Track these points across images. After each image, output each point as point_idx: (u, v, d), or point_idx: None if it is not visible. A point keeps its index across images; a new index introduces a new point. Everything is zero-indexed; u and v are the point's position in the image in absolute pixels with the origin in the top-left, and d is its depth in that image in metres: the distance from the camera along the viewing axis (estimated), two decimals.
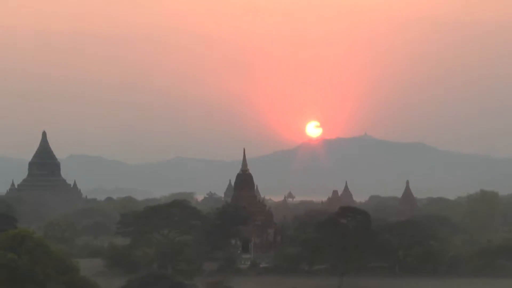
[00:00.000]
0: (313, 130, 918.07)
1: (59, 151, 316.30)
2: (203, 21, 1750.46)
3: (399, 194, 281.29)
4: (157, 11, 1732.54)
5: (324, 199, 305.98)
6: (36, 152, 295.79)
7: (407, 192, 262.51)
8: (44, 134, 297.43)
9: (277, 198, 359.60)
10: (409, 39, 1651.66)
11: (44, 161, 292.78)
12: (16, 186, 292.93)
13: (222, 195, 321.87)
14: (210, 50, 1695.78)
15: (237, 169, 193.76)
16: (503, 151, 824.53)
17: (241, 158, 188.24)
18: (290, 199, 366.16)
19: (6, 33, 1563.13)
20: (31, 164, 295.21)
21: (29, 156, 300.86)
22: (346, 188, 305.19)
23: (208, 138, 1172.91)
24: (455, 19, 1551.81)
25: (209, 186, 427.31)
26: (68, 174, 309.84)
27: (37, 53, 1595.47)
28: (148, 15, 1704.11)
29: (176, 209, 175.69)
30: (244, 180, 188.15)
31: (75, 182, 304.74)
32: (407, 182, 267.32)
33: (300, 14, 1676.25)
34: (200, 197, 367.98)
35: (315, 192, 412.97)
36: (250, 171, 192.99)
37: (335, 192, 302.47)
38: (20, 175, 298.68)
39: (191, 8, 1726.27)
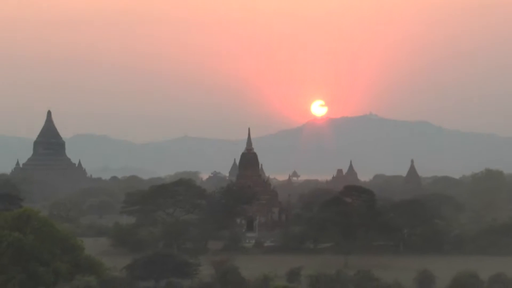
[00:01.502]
0: (318, 109, 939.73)
1: (64, 131, 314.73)
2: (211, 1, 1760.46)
3: (404, 173, 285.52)
4: None
5: (329, 178, 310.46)
6: (41, 131, 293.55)
7: (412, 171, 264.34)
8: (49, 113, 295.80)
9: (282, 177, 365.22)
10: (415, 20, 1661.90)
11: (49, 140, 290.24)
12: (21, 166, 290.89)
13: (227, 174, 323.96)
14: (216, 30, 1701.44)
15: (242, 148, 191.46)
16: (508, 130, 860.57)
17: (246, 137, 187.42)
18: (295, 178, 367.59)
19: (8, 11, 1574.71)
20: (36, 143, 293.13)
21: (34, 135, 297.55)
22: (351, 167, 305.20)
23: (214, 118, 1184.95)
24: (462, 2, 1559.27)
25: (214, 165, 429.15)
26: (73, 153, 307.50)
27: (42, 31, 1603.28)
28: None
29: (181, 188, 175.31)
30: (248, 160, 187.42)
31: (80, 161, 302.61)
32: (412, 161, 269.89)
33: None
34: (205, 176, 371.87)
35: (320, 171, 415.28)
36: (255, 150, 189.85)
37: (339, 171, 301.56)
38: (25, 154, 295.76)
39: None
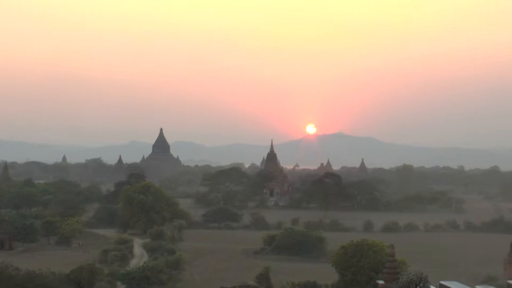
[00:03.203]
0: (311, 129, 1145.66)
1: (170, 139, 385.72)
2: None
3: (357, 166, 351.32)
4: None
5: (316, 168, 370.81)
6: (157, 139, 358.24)
7: (362, 165, 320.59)
8: (161, 129, 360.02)
9: (289, 166, 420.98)
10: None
11: (161, 144, 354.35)
12: (145, 158, 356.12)
13: (259, 164, 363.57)
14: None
15: (268, 150, 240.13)
16: (418, 141, 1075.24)
17: (270, 144, 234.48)
18: (297, 167, 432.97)
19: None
20: (154, 146, 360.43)
21: (152, 141, 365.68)
22: (328, 162, 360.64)
23: (255, 132, 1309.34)
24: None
25: (252, 159, 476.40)
26: (174, 152, 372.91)
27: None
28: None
29: (233, 172, 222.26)
30: (271, 156, 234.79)
31: (177, 156, 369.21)
32: (362, 159, 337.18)
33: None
34: (247, 165, 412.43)
35: (311, 164, 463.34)
36: (275, 152, 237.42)
37: (322, 164, 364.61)
38: (148, 152, 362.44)
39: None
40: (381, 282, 53.52)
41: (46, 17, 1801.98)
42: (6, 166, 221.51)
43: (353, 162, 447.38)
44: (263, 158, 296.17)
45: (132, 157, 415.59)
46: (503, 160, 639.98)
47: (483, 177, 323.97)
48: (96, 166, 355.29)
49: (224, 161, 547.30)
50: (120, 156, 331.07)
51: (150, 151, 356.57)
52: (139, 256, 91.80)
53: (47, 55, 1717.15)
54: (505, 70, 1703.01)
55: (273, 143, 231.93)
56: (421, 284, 45.08)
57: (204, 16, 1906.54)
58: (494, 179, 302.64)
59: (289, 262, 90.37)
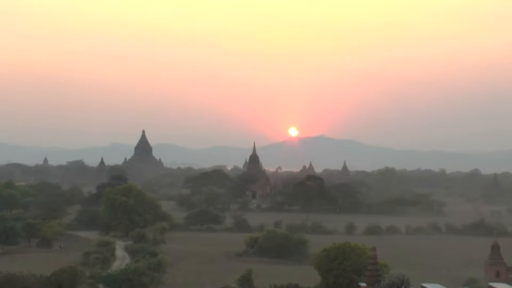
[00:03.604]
0: (293, 131, 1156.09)
1: (152, 141, 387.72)
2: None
3: (340, 168, 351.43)
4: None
5: (298, 170, 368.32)
6: (139, 141, 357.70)
7: (344, 167, 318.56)
8: (143, 131, 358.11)
9: (272, 169, 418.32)
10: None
11: (143, 146, 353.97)
12: (127, 160, 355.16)
13: (242, 167, 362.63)
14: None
15: (250, 153, 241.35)
16: (401, 145, 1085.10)
17: (252, 146, 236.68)
18: (279, 170, 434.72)
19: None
20: (135, 148, 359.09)
21: (134, 143, 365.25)
22: (310, 165, 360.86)
23: (236, 135, 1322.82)
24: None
25: (234, 162, 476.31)
26: (156, 154, 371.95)
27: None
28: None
29: (216, 174, 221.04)
30: (254, 159, 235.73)
31: (160, 158, 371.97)
32: (344, 162, 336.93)
33: None
34: (229, 168, 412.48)
35: (293, 167, 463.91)
36: (257, 154, 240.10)
37: (304, 166, 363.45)
38: (130, 154, 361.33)
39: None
40: (363, 284, 53.65)
41: (27, 19, 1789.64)
42: None
43: (335, 165, 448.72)
44: (246, 161, 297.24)
45: (114, 160, 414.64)
46: (484, 163, 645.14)
47: (464, 180, 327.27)
48: (77, 168, 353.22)
49: (207, 164, 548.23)
50: (102, 158, 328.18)
51: (132, 153, 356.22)
52: (121, 259, 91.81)
53: (27, 57, 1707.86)
54: (487, 75, 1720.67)
55: (256, 146, 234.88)
56: (403, 287, 45.36)
57: (187, 19, 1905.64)
58: (475, 182, 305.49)
59: (272, 264, 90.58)
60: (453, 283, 68.71)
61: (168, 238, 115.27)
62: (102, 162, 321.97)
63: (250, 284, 67.68)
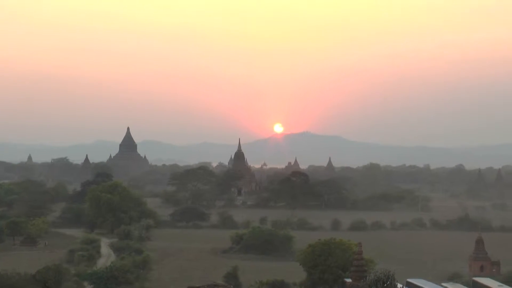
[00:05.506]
0: (278, 128, 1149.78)
1: (137, 138, 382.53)
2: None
3: (325, 164, 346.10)
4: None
5: (283, 167, 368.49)
6: (124, 138, 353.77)
7: (329, 163, 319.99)
8: (128, 128, 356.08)
9: (257, 165, 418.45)
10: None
11: (128, 143, 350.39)
12: (112, 157, 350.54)
13: (227, 164, 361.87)
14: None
15: (235, 149, 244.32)
16: (386, 140, 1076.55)
17: (237, 143, 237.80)
18: (264, 166, 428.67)
19: None
20: (120, 145, 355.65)
21: (119, 140, 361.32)
22: (296, 161, 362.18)
23: (224, 132, 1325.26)
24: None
25: (220, 158, 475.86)
26: (141, 151, 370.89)
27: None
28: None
29: (201, 171, 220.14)
30: (239, 155, 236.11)
31: (145, 155, 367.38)
32: (329, 158, 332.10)
33: None
34: (214, 164, 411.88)
35: (279, 163, 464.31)
36: (242, 151, 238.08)
37: (289, 163, 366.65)
38: (115, 151, 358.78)
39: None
40: (348, 280, 54.25)
41: (8, 16, 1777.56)
42: None
43: (320, 161, 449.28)
44: (231, 157, 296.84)
45: (99, 157, 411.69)
46: (468, 159, 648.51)
47: (448, 175, 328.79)
48: (62, 165, 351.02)
49: (192, 160, 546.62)
50: (86, 155, 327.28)
51: (117, 150, 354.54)
52: (106, 256, 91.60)
53: (11, 54, 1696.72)
54: (470, 70, 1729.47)
55: (241, 142, 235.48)
56: (388, 282, 45.72)
57: (170, 14, 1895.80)
58: (459, 177, 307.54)
59: (257, 261, 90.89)
60: (437, 278, 69.12)
61: (153, 235, 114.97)
62: (87, 159, 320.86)
63: (236, 281, 67.92)
